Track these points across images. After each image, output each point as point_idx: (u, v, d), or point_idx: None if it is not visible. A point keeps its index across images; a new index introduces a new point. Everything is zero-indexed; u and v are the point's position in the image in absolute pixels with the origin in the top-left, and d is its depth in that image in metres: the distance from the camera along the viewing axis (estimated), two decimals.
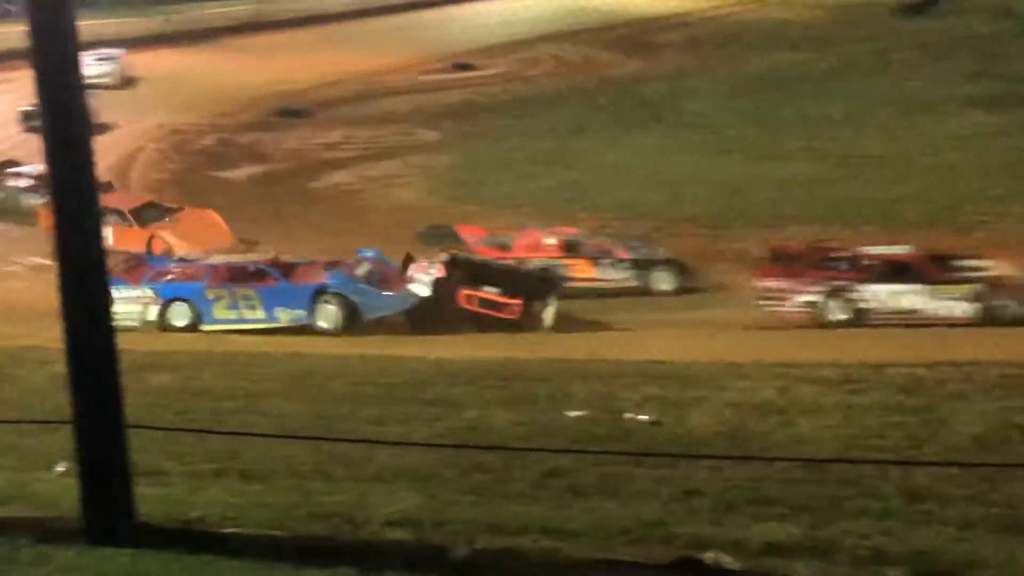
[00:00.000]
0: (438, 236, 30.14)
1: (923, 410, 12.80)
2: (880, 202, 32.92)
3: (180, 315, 23.55)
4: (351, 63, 53.68)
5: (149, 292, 23.76)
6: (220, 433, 11.63)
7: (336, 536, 8.40)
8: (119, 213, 30.01)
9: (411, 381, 15.73)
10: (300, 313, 23.18)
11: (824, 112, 42.64)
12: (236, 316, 23.38)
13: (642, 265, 28.33)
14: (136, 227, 30.22)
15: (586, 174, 36.33)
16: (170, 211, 31.67)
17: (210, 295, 23.55)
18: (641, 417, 13.10)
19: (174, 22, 61.39)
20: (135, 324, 22.91)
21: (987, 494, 10.50)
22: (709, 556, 8.51)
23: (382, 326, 23.23)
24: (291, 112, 45.96)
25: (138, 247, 28.76)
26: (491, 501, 9.91)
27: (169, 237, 30.23)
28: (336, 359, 18.18)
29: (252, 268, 24.12)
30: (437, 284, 24.21)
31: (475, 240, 29.34)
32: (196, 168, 39.39)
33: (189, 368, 17.28)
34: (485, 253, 27.94)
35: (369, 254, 25.54)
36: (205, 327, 23.23)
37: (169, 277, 24.37)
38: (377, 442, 11.34)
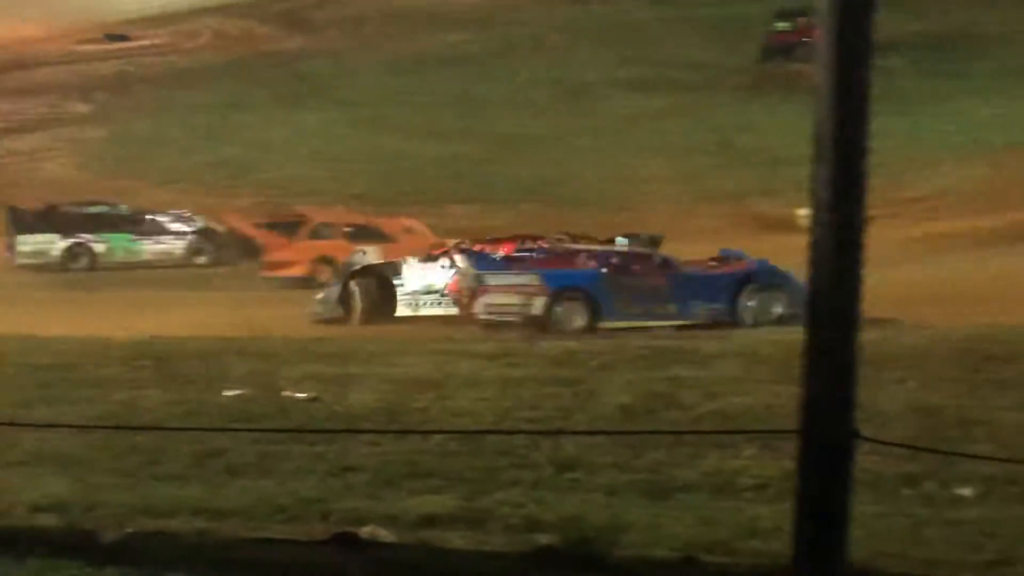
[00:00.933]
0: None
1: (574, 382, 13.23)
2: (537, 181, 33.81)
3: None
4: None
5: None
6: None
7: None
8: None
9: (58, 362, 15.21)
10: None
11: (484, 93, 43.41)
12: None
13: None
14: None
15: (247, 150, 35.90)
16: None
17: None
18: (299, 395, 13.06)
19: None
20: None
21: (631, 461, 10.93)
22: (366, 530, 8.56)
23: None
24: None
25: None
26: (144, 483, 9.71)
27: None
28: None
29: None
30: None
31: None
32: None
33: None
34: None
35: None
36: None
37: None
38: (22, 424, 10.91)
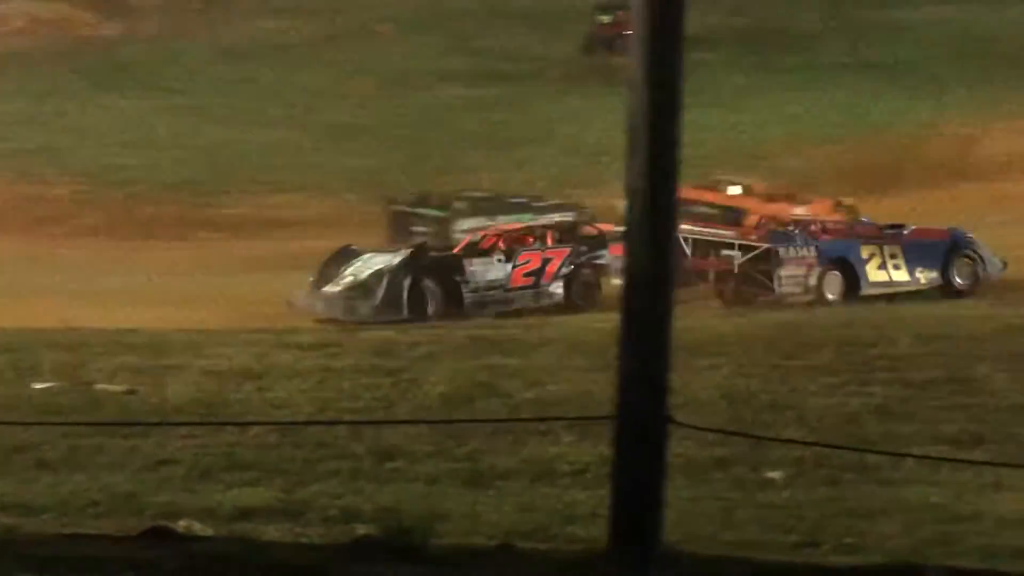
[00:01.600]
0: None
1: (395, 372, 13.24)
2: (361, 171, 33.67)
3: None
4: None
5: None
6: None
7: None
8: None
9: None
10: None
11: (308, 81, 43.02)
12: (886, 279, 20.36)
13: None
14: None
15: (62, 137, 35.00)
16: None
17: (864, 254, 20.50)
18: (114, 387, 12.80)
19: None
20: None
21: (452, 450, 10.99)
22: (181, 524, 8.44)
23: None
24: None
25: None
26: None
27: None
28: None
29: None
30: None
31: None
32: None
33: None
34: None
35: None
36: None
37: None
38: None
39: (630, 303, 7.88)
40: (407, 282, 19.74)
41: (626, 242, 8.12)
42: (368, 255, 20.71)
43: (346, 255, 20.75)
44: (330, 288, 19.78)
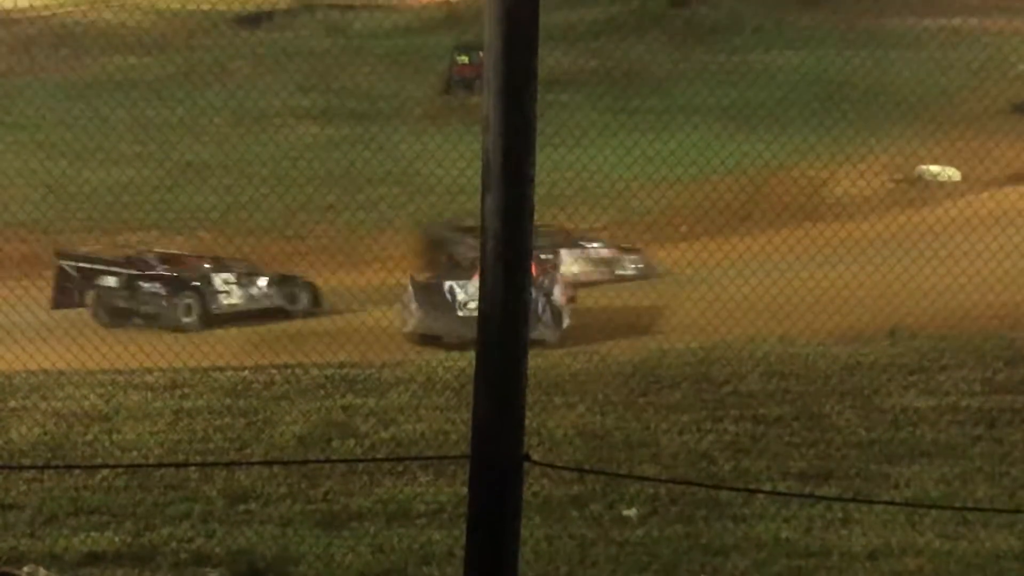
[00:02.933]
0: None
1: (249, 412, 13.04)
2: (215, 209, 33.23)
3: None
4: None
5: None
6: None
7: None
8: None
9: None
10: None
11: (162, 118, 42.43)
12: None
13: None
14: None
15: None
16: None
17: None
18: None
19: None
20: None
21: (307, 491, 10.88)
22: (26, 570, 8.24)
23: None
24: None
25: None
26: None
27: None
28: None
29: None
30: None
31: None
32: None
33: None
34: None
35: None
36: None
37: None
38: None
39: (485, 341, 7.91)
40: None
41: (481, 281, 8.15)
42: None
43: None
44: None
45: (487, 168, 8.21)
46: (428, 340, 18.13)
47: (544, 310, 19.60)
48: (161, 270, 24.78)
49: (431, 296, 19.57)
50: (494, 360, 8.08)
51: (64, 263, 25.01)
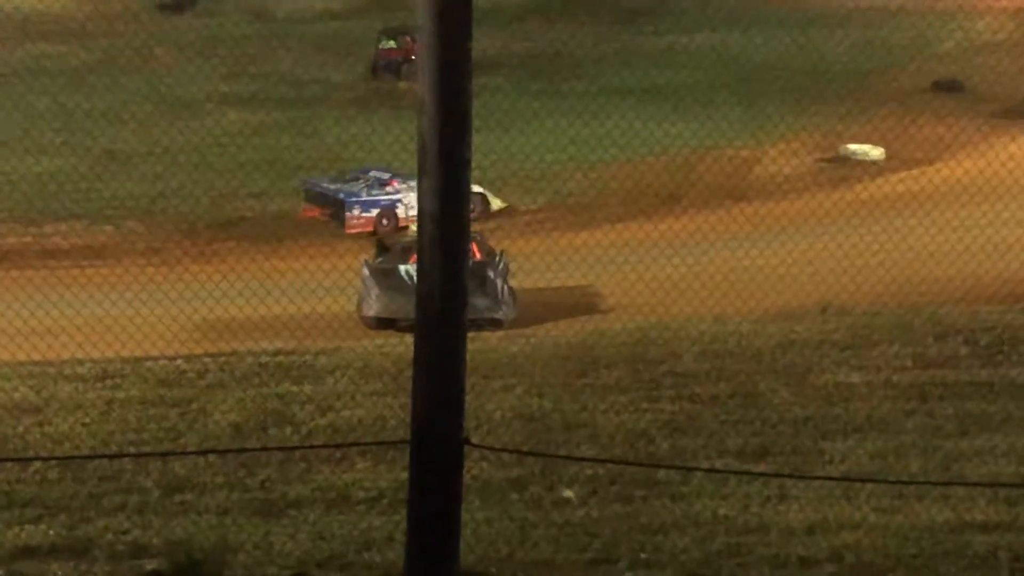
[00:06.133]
0: None
1: (183, 401, 12.90)
2: (143, 198, 32.88)
3: None
4: None
5: None
6: None
7: None
8: None
9: None
10: None
11: (84, 107, 41.89)
12: None
13: None
14: None
15: None
16: None
17: None
18: None
19: None
20: None
21: (244, 479, 10.79)
22: None
23: None
24: None
25: None
26: None
27: None
28: None
29: None
30: None
31: None
32: None
33: None
34: None
35: None
36: None
37: None
38: None
39: (423, 325, 7.86)
40: None
41: (418, 264, 8.10)
42: None
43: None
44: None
45: (423, 151, 8.14)
46: (383, 324, 18.15)
47: (503, 291, 19.55)
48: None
49: (390, 280, 19.55)
50: (432, 342, 8.04)
51: None
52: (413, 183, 26.93)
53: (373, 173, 28.59)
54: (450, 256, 8.28)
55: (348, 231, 27.55)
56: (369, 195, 28.75)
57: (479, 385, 12.60)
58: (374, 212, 27.65)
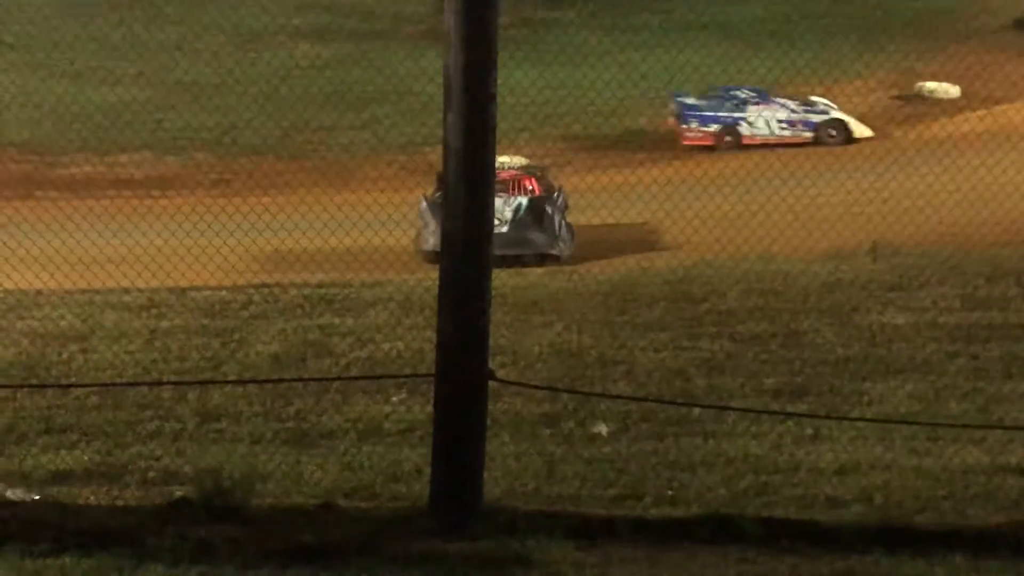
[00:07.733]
0: None
1: (225, 332, 13.05)
2: (213, 130, 33.14)
3: None
4: None
5: None
6: None
7: None
8: None
9: None
10: None
11: (157, 38, 42.15)
12: None
13: None
14: None
15: None
16: None
17: None
18: None
19: None
20: None
21: (279, 410, 10.89)
22: None
23: None
24: None
25: None
26: None
27: None
28: None
29: None
30: None
31: None
32: None
33: None
34: None
35: None
36: None
37: None
38: None
39: (447, 261, 7.85)
40: None
41: (444, 201, 8.06)
42: None
43: None
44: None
45: (448, 86, 8.13)
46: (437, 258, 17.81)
47: (561, 227, 19.42)
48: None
49: None
50: (456, 279, 8.05)
51: None
52: (770, 103, 27.64)
53: (739, 92, 28.70)
54: (475, 192, 8.27)
55: (684, 143, 27.37)
56: (711, 110, 28.50)
57: (518, 321, 12.64)
58: (713, 127, 27.65)
